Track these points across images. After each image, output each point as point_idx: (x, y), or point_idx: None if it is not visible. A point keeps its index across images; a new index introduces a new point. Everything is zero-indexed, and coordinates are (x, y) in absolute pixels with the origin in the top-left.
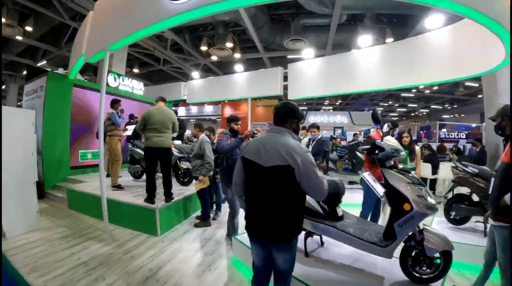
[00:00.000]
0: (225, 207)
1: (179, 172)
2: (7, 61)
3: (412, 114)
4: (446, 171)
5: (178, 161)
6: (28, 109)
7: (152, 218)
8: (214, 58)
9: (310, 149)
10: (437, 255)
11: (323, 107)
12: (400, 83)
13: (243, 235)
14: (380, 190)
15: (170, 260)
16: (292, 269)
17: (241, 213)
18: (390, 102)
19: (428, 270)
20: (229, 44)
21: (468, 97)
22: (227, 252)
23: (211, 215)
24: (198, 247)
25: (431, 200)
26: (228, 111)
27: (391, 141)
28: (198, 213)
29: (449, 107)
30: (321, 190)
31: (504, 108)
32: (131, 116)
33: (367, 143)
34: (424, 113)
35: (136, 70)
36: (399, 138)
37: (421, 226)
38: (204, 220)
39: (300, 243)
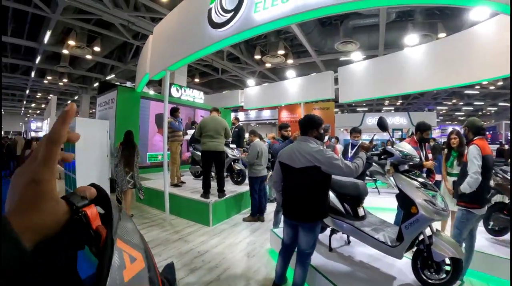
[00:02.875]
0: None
1: (233, 173)
2: (78, 75)
3: (480, 113)
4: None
5: (232, 163)
6: (102, 119)
7: (206, 210)
8: (268, 65)
9: (351, 154)
10: (448, 261)
11: (384, 108)
12: (454, 81)
13: (280, 229)
14: None
15: (217, 246)
16: (312, 252)
17: None
18: (454, 101)
19: (436, 275)
20: (281, 51)
21: None
22: (266, 244)
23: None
24: (242, 237)
25: (440, 206)
26: (284, 115)
27: (403, 147)
28: (249, 209)
29: None
30: (350, 172)
31: (468, 121)
32: (193, 123)
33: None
34: (493, 111)
35: (197, 80)
36: (448, 139)
37: (434, 230)
38: (252, 216)
39: (325, 239)
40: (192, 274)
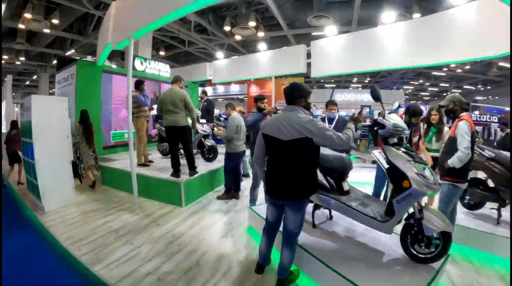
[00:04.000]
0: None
1: (204, 149)
2: (36, 53)
3: (444, 94)
4: None
5: (203, 139)
6: (61, 96)
7: (177, 190)
8: (237, 37)
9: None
10: (437, 235)
11: (352, 85)
12: (426, 61)
13: (258, 206)
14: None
15: (192, 227)
16: (299, 232)
17: (261, 187)
18: (421, 81)
19: (426, 249)
20: (252, 23)
21: (502, 79)
22: (244, 222)
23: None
24: (218, 217)
25: (431, 179)
26: (254, 90)
27: (394, 118)
28: (222, 186)
29: (482, 89)
30: (342, 144)
31: (454, 97)
32: (158, 97)
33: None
34: (457, 93)
35: (162, 53)
36: (428, 115)
37: (422, 205)
38: (226, 193)
39: (308, 215)
40: (169, 261)
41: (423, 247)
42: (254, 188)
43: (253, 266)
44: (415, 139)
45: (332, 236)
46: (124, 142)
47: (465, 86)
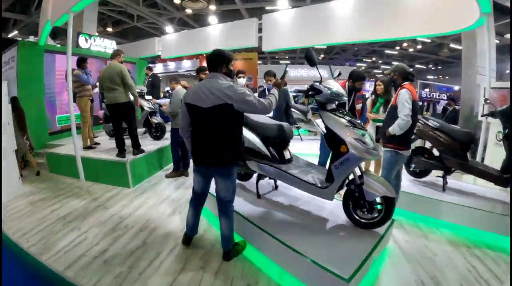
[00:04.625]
0: None
1: (151, 127)
2: None
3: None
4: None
5: (149, 116)
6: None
7: (124, 171)
8: (188, 11)
9: None
10: (380, 201)
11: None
12: (378, 35)
13: None
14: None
15: (140, 207)
16: (232, 199)
17: None
18: (374, 59)
19: (369, 215)
20: None
21: (452, 60)
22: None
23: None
24: (167, 195)
25: (370, 144)
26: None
27: (331, 84)
28: (171, 164)
29: (433, 68)
30: (264, 109)
31: (396, 67)
32: None
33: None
34: (401, 64)
35: (110, 29)
36: (374, 87)
37: (363, 170)
38: (174, 171)
39: (252, 186)
40: (116, 243)
41: (366, 213)
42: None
43: (200, 240)
44: (358, 106)
45: (276, 205)
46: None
47: (416, 65)
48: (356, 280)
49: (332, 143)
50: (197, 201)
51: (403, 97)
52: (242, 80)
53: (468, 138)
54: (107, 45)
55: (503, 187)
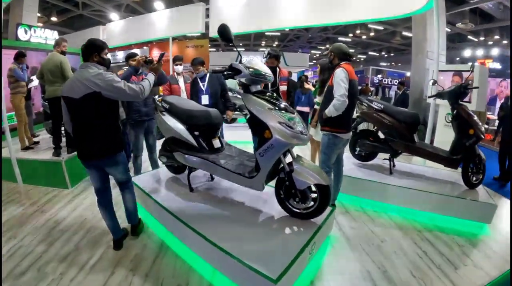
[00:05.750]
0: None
1: None
2: None
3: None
4: None
5: None
6: None
7: (60, 171)
8: None
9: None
10: (314, 189)
11: (260, 49)
12: (327, 20)
13: (139, 177)
14: None
15: (75, 209)
16: (129, 177)
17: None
18: (327, 46)
19: (303, 204)
20: None
21: (405, 47)
22: None
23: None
24: None
25: (298, 128)
26: (156, 54)
27: (255, 64)
28: None
29: (386, 55)
30: (135, 95)
31: (333, 46)
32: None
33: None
34: (362, 59)
35: (54, 19)
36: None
37: (294, 156)
38: None
39: (184, 179)
40: (50, 249)
41: (299, 202)
42: (135, 157)
43: (132, 240)
44: (282, 88)
45: (209, 198)
46: (12, 126)
47: (370, 53)
48: (288, 278)
49: (255, 128)
50: (104, 199)
51: (339, 77)
52: (179, 68)
53: (413, 120)
54: (48, 36)
55: (453, 168)
